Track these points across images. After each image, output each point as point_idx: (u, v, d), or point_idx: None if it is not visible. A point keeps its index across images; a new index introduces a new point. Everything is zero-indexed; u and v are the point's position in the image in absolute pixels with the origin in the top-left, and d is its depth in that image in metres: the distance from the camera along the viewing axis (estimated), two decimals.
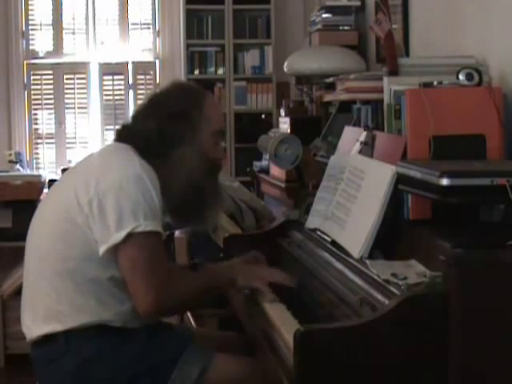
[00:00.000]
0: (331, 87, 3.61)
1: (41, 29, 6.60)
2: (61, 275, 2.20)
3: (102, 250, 2.16)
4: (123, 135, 2.37)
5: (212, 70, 6.40)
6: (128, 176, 2.18)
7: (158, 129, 2.30)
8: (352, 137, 2.69)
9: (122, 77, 6.58)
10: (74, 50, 6.63)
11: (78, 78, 6.57)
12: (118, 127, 2.45)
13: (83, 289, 2.19)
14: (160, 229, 2.20)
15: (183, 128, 2.31)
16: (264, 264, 2.53)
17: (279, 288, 2.36)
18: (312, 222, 2.60)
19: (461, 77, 2.39)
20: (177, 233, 3.67)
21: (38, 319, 2.24)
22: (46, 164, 6.54)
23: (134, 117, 2.40)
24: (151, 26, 6.67)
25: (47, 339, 2.22)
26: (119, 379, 2.20)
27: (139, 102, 6.31)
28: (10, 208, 4.61)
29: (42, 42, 6.61)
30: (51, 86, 6.54)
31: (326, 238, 2.45)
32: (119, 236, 2.13)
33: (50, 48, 6.60)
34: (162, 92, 2.42)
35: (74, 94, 6.58)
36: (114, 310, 2.21)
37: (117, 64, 6.59)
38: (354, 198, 2.34)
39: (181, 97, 2.36)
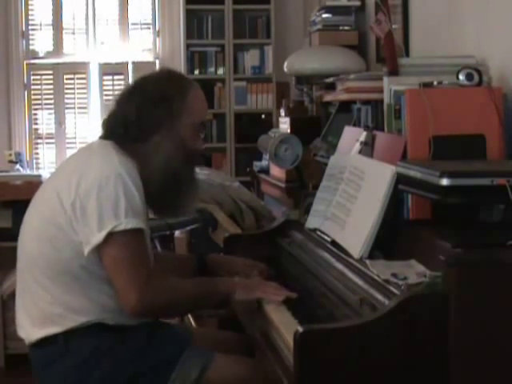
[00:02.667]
0: (331, 87, 3.61)
1: (41, 29, 6.61)
2: (51, 278, 2.20)
3: (86, 250, 2.15)
4: (105, 126, 2.34)
5: (212, 69, 6.41)
6: (107, 175, 2.16)
7: (137, 112, 2.26)
8: (352, 137, 2.69)
9: (121, 77, 6.59)
10: (74, 49, 6.64)
11: (78, 78, 6.58)
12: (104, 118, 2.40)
13: (75, 290, 2.18)
14: (142, 225, 2.17)
15: (162, 114, 2.27)
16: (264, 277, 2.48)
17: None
18: (312, 222, 2.59)
19: (461, 77, 2.39)
20: (177, 233, 3.67)
21: (35, 323, 2.24)
22: (46, 164, 6.55)
23: (117, 100, 2.35)
24: (151, 26, 6.68)
25: (47, 340, 2.22)
26: (119, 379, 2.20)
27: None
28: (9, 208, 4.60)
29: (42, 41, 6.62)
30: (51, 86, 6.55)
31: (325, 238, 2.45)
32: (100, 236, 2.12)
33: (50, 48, 6.61)
34: (147, 76, 2.38)
35: (74, 93, 6.59)
36: (109, 308, 2.20)
37: (117, 64, 6.60)
38: (354, 198, 2.34)
39: (164, 83, 2.32)
